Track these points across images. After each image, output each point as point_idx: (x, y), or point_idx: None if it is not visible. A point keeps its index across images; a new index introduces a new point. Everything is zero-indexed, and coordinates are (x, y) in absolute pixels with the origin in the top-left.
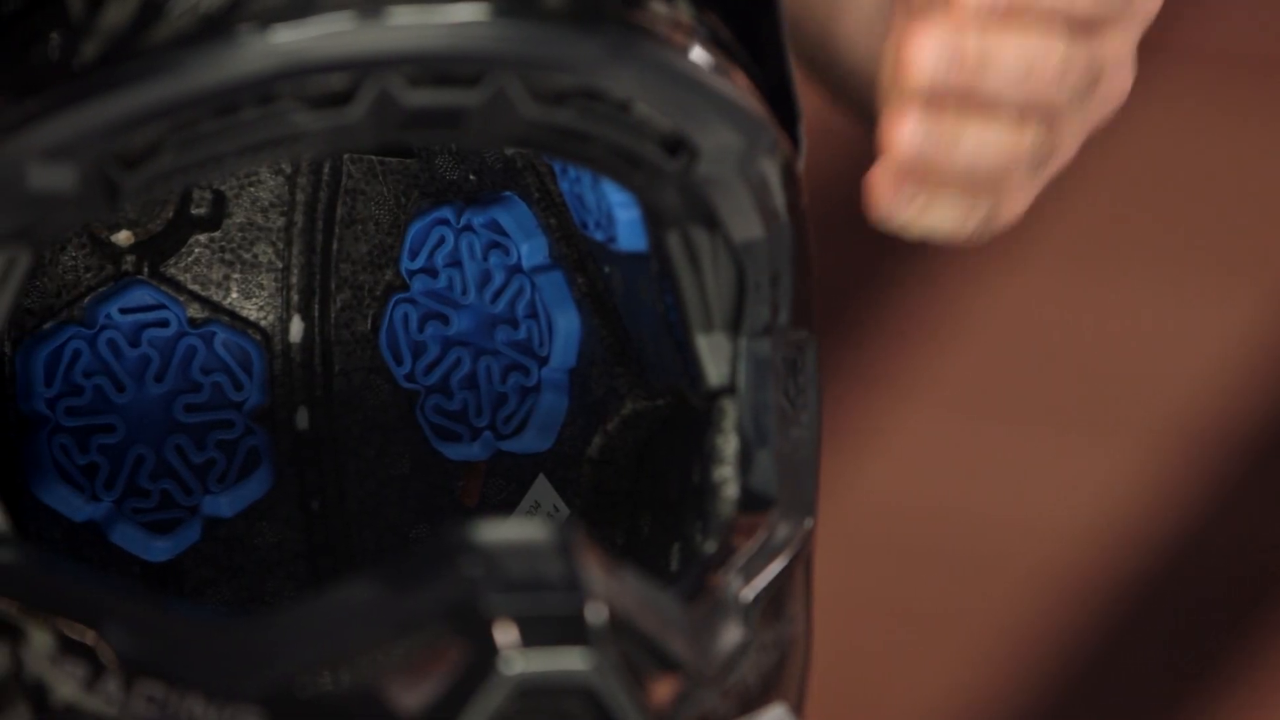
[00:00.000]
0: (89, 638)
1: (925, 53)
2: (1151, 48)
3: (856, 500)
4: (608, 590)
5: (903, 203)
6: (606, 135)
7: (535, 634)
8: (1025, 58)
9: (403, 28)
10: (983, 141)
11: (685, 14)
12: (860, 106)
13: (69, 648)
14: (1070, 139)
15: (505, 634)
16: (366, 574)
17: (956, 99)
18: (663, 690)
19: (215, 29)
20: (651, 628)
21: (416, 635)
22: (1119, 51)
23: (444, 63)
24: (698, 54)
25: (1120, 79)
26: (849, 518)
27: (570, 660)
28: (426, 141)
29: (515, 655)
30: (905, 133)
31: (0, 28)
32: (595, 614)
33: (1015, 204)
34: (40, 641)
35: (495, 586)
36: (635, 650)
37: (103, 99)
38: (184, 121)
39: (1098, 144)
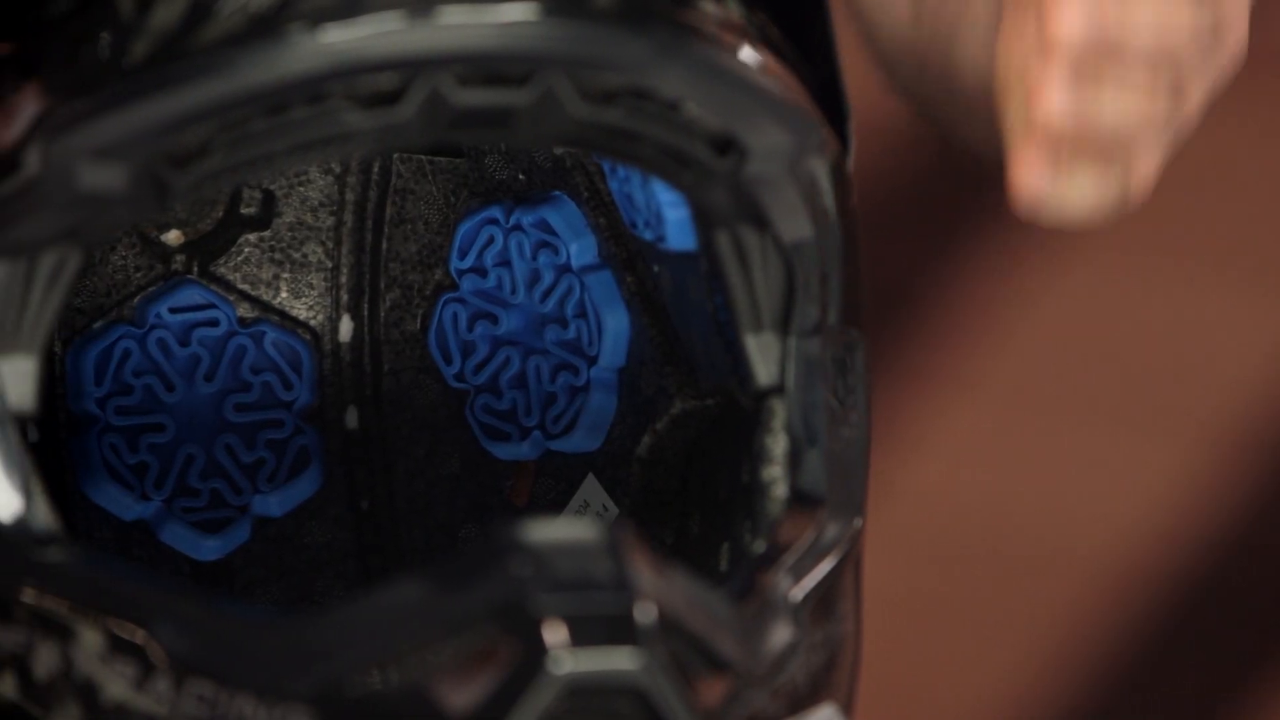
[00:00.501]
0: (139, 637)
1: (1070, 14)
2: None
3: (905, 499)
4: (656, 590)
5: (1054, 179)
6: (656, 135)
7: (584, 633)
8: (1159, 15)
9: (453, 27)
10: (1124, 104)
11: (735, 13)
12: (986, 133)
13: (119, 647)
14: (1197, 100)
15: (554, 633)
16: (416, 573)
17: (1098, 61)
18: (712, 690)
19: (265, 28)
20: (700, 627)
21: (466, 635)
22: (1238, 9)
23: (494, 62)
24: (747, 53)
25: (1238, 38)
26: (898, 516)
27: (619, 660)
28: (476, 141)
29: (564, 655)
30: (1055, 102)
31: (51, 28)
32: (644, 613)
33: (1148, 172)
34: (90, 641)
35: (544, 586)
36: (684, 650)
37: (153, 99)
38: (234, 121)
39: None
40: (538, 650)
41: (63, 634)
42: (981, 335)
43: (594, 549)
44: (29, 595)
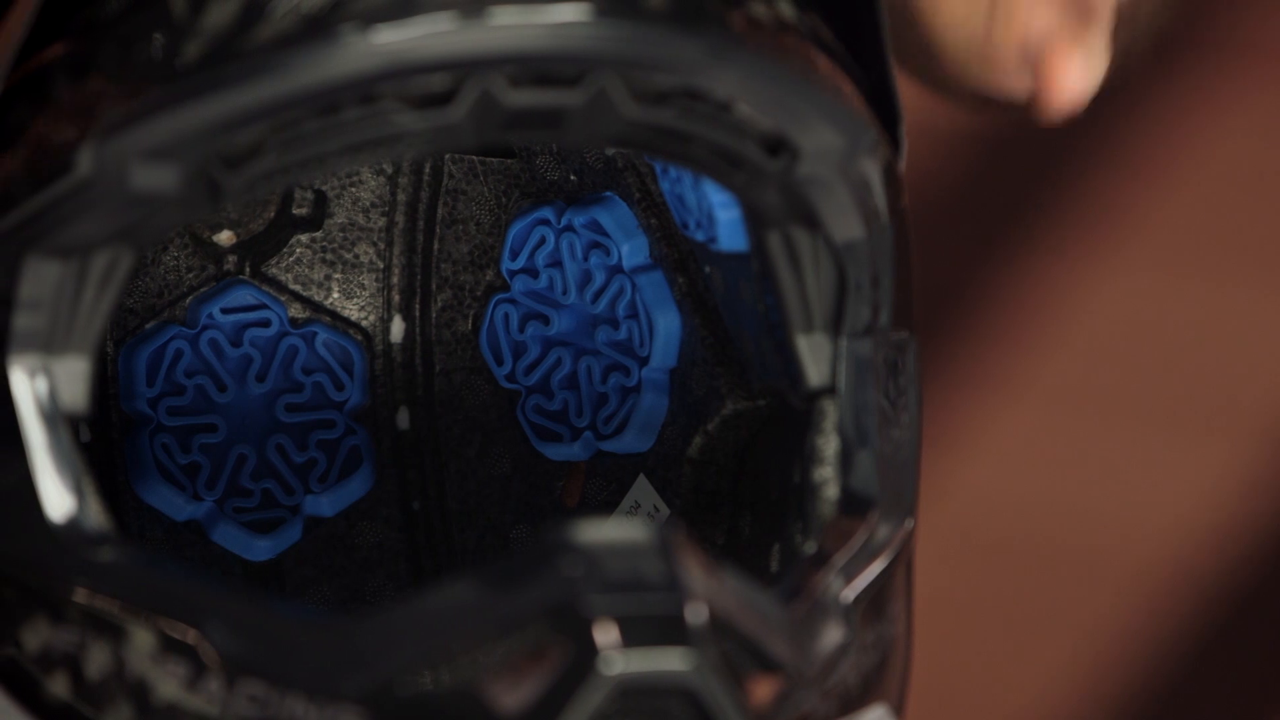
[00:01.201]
0: (190, 637)
1: None
2: (1246, 46)
3: (957, 500)
4: (708, 590)
5: (1081, 60)
6: (707, 135)
7: (635, 634)
8: None
9: (505, 28)
10: None
11: (787, 14)
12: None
13: (170, 647)
14: None
15: (605, 634)
16: (467, 574)
17: None
18: (763, 690)
19: (317, 29)
20: (752, 628)
21: (517, 635)
22: None
23: (546, 63)
24: (799, 54)
25: None
26: (949, 518)
27: (670, 660)
28: (527, 142)
29: (615, 655)
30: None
31: (103, 28)
32: (695, 614)
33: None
34: (142, 641)
35: (595, 587)
36: (735, 650)
37: (205, 99)
38: (286, 122)
39: (1196, 144)
40: (589, 651)
41: (114, 634)
42: (1031, 337)
43: (645, 549)
44: (81, 595)
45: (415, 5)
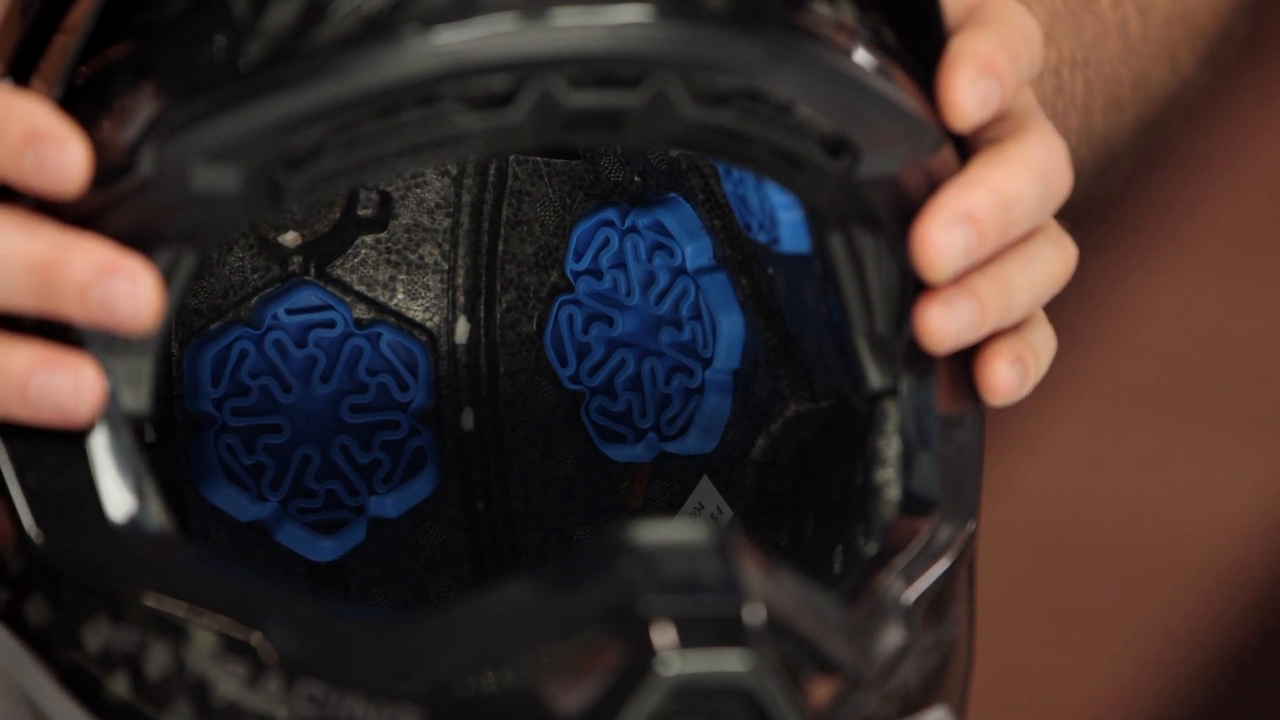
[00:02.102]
0: (251, 637)
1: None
2: None
3: (1014, 501)
4: (765, 591)
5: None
6: (768, 137)
7: (693, 635)
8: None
9: (565, 29)
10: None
11: (848, 15)
12: None
13: (231, 646)
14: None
15: (663, 635)
16: (526, 575)
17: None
18: (822, 692)
19: (378, 30)
20: (810, 629)
21: (575, 636)
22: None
23: (606, 64)
24: (860, 55)
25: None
26: (1007, 519)
27: (728, 661)
28: (587, 143)
29: (673, 656)
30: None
31: (165, 29)
32: (753, 615)
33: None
34: (202, 640)
35: (653, 587)
36: (793, 652)
37: (266, 100)
38: (347, 123)
39: (1254, 145)
40: (646, 652)
41: (175, 633)
42: (1089, 338)
43: (703, 551)
44: (141, 595)
45: (476, 6)
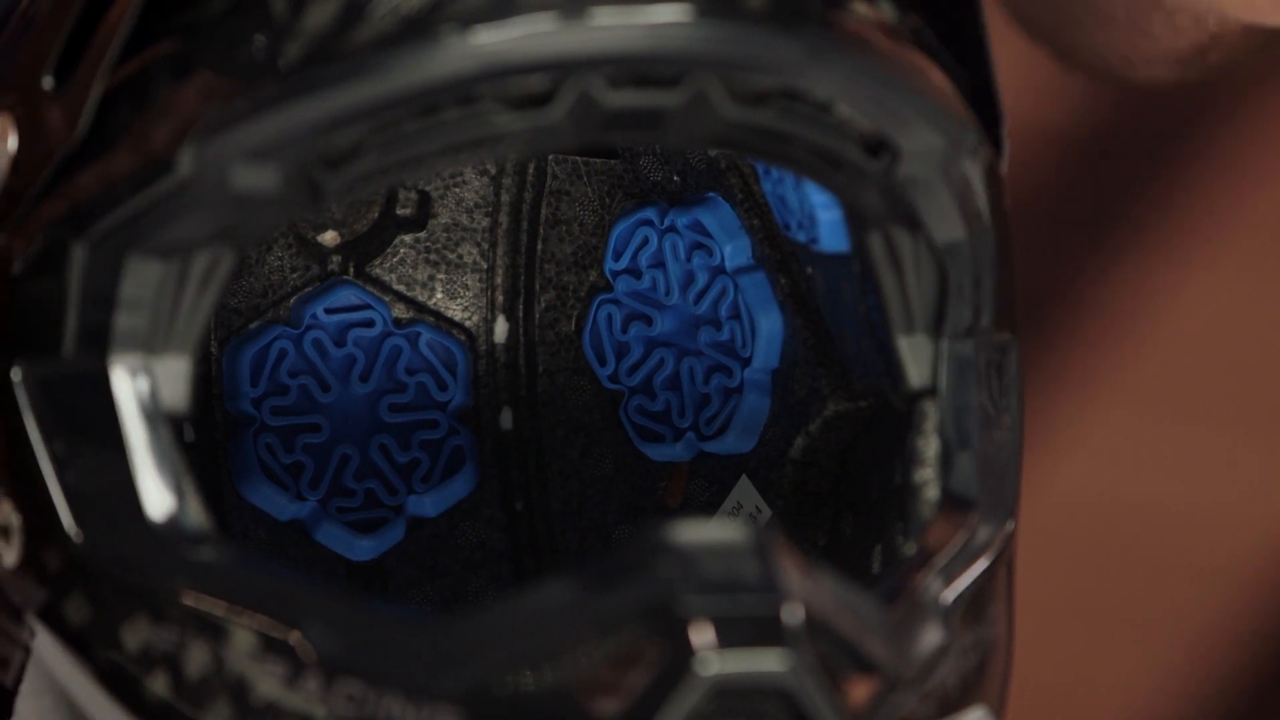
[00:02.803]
0: (289, 636)
1: None
2: None
3: (1050, 501)
4: (804, 591)
5: None
6: (807, 136)
7: (731, 635)
8: None
9: (604, 29)
10: None
11: (887, 14)
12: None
13: (269, 646)
14: None
15: (701, 635)
16: (565, 574)
17: None
18: (860, 692)
19: (417, 30)
20: (849, 629)
21: (613, 635)
22: None
23: (645, 64)
24: (900, 55)
25: None
26: (1043, 518)
27: (767, 661)
28: (626, 142)
29: (711, 656)
30: None
31: (204, 29)
32: (792, 615)
33: None
34: (241, 639)
35: (691, 587)
36: (832, 651)
37: (306, 100)
38: (386, 122)
39: None
40: (685, 651)
41: (214, 633)
42: (1132, 338)
43: (742, 550)
44: (180, 595)
45: (514, 6)
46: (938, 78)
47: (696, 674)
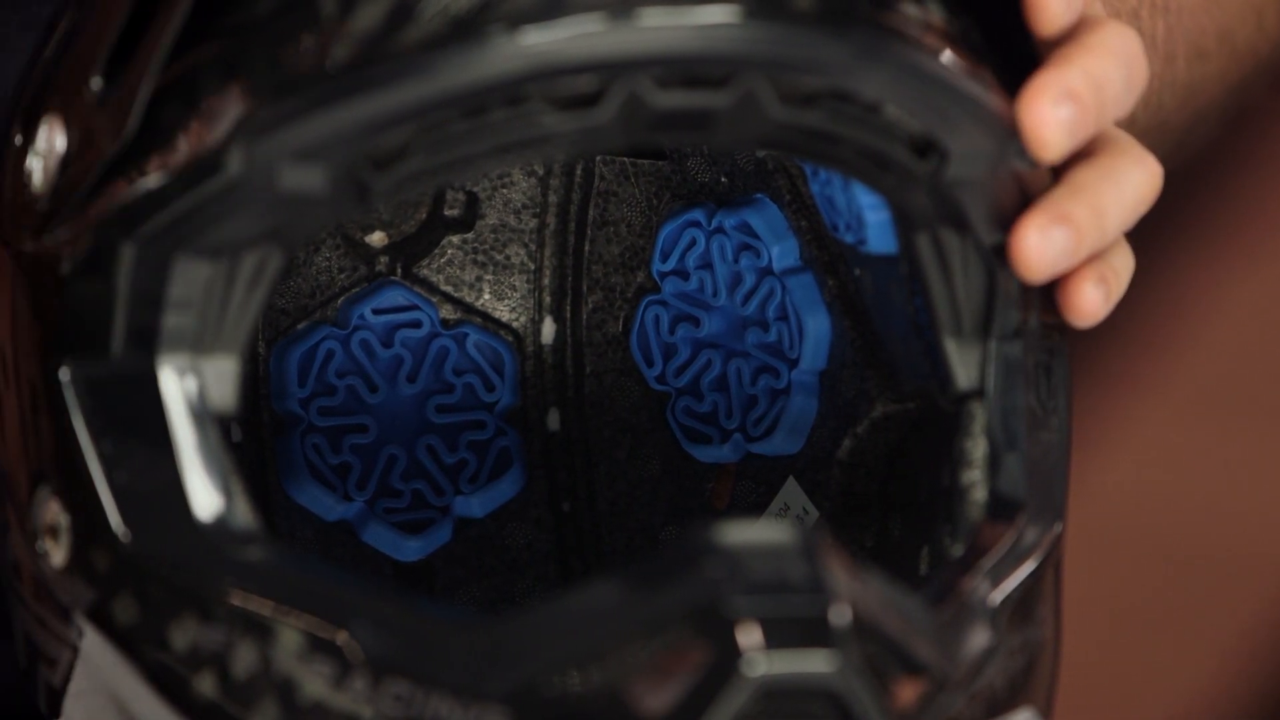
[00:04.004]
0: (337, 636)
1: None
2: None
3: (1097, 501)
4: (851, 592)
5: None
6: (855, 137)
7: (778, 636)
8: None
9: (653, 29)
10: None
11: (936, 16)
12: None
13: (317, 646)
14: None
15: (748, 636)
16: (611, 575)
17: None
18: (907, 693)
19: (465, 31)
20: (896, 630)
21: (660, 636)
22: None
23: (694, 64)
24: (948, 56)
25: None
26: (1088, 519)
27: (814, 662)
28: (673, 143)
29: (758, 657)
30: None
31: (253, 29)
32: (839, 616)
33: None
34: (288, 639)
35: (738, 588)
36: (879, 653)
37: (354, 101)
38: (433, 123)
39: None
40: (731, 653)
41: (261, 633)
42: (1178, 339)
43: (789, 551)
44: (228, 594)
45: (563, 6)
46: (987, 79)
47: (743, 675)
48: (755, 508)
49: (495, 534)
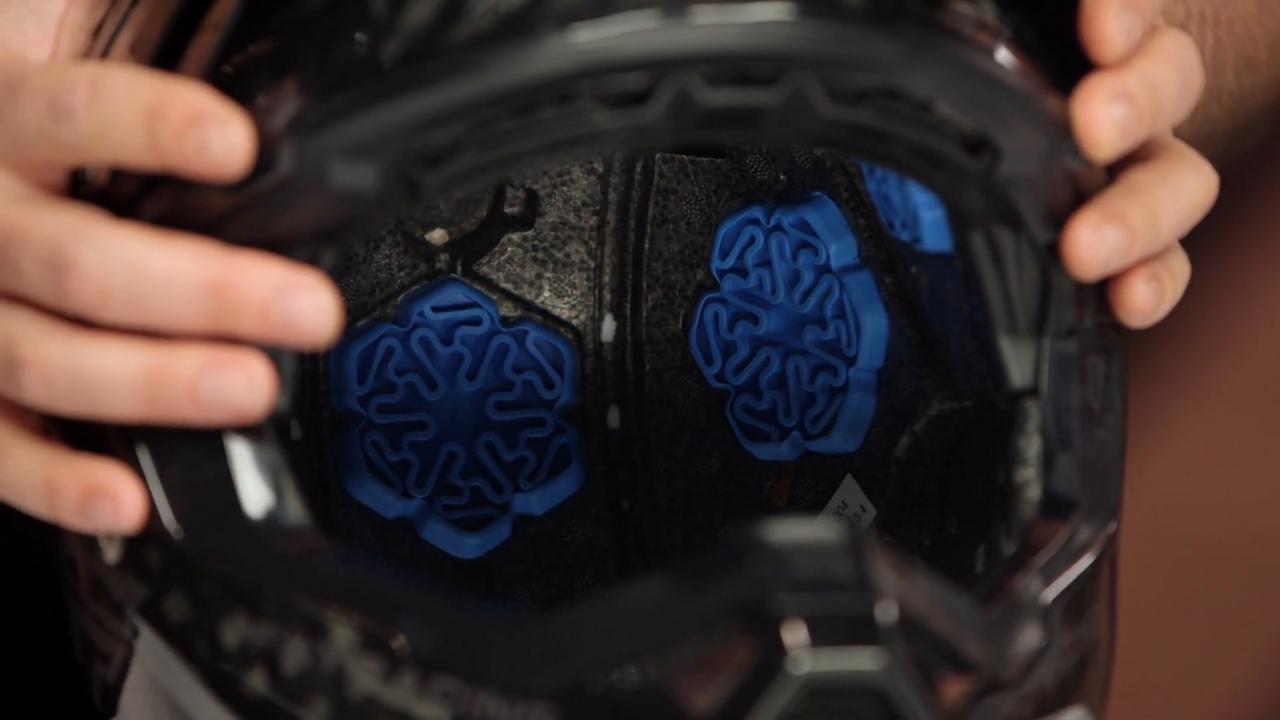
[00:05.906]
0: (386, 632)
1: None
2: None
3: (1147, 500)
4: (898, 590)
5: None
6: (907, 135)
7: (824, 634)
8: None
9: (703, 27)
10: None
11: (989, 14)
12: None
13: (366, 642)
14: None
15: (794, 633)
16: (659, 572)
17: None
18: (955, 691)
19: (515, 28)
20: (943, 628)
21: (706, 634)
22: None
23: (743, 62)
24: (1000, 54)
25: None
26: (1141, 517)
27: (860, 660)
28: (723, 141)
29: (804, 655)
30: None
31: (304, 26)
32: (885, 614)
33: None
34: (339, 636)
35: (784, 586)
36: (927, 651)
37: (405, 98)
38: (484, 120)
39: None
40: (777, 650)
41: (311, 629)
42: (1232, 338)
43: (835, 549)
44: (278, 591)
45: (614, 4)
46: (1038, 77)
47: (789, 673)
48: (813, 505)
49: (554, 531)
